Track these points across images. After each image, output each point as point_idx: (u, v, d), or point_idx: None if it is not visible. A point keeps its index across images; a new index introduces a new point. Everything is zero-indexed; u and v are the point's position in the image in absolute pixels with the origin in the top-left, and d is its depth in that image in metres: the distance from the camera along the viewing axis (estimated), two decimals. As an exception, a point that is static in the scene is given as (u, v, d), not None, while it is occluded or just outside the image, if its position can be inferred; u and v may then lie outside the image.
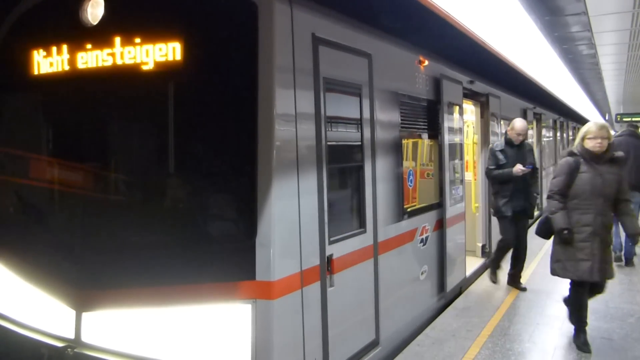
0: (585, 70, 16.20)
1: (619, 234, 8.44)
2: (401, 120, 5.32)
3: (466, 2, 6.41)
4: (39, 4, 4.48)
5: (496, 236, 9.04)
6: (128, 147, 4.20)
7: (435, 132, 6.27)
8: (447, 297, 6.56)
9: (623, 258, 8.60)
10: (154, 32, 3.74)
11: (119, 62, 3.85)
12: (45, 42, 4.21)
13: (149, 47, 3.74)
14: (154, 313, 3.69)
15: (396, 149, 5.21)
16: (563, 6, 9.13)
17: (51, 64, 4.18)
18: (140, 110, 4.06)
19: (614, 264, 7.90)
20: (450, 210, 6.56)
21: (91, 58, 3.97)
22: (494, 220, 8.88)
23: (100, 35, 3.94)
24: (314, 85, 3.89)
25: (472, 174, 8.88)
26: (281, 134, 3.53)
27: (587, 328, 5.64)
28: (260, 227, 3.43)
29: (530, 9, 8.42)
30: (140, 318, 3.74)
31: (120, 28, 3.87)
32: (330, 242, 4.01)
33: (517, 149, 6.84)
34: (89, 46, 3.98)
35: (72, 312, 3.98)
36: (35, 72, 4.27)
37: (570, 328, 5.71)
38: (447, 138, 6.46)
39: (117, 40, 3.85)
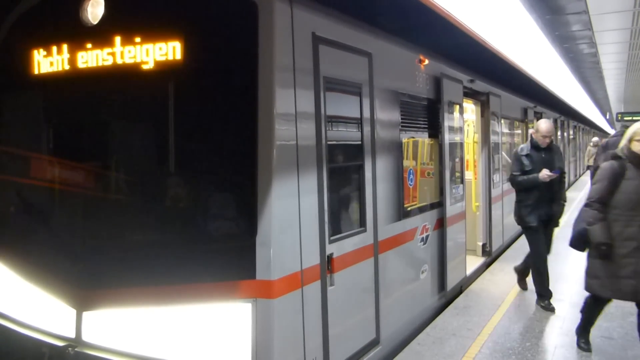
0: (586, 69, 16.21)
1: None
2: (401, 119, 5.32)
3: (467, 1, 6.41)
4: (39, 4, 4.48)
5: (497, 235, 9.09)
6: (128, 146, 4.20)
7: (435, 131, 6.27)
8: (448, 296, 6.56)
9: None
10: (154, 31, 3.74)
11: (119, 61, 3.86)
12: (46, 41, 4.21)
13: (149, 46, 3.74)
14: (154, 312, 3.70)
15: (396, 148, 5.21)
16: (564, 5, 9.14)
17: (51, 64, 4.18)
18: (141, 110, 4.06)
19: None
20: (451, 209, 6.56)
21: (91, 57, 3.98)
22: (494, 218, 8.91)
23: (100, 34, 3.95)
24: (314, 84, 3.89)
25: (473, 173, 8.88)
26: (281, 133, 3.53)
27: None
28: (261, 226, 3.43)
29: (531, 8, 8.43)
30: (140, 317, 3.75)
31: (121, 27, 3.87)
32: (331, 241, 4.01)
33: (544, 152, 6.38)
34: (89, 45, 3.99)
35: (73, 312, 3.98)
36: (36, 72, 4.28)
37: (571, 327, 5.71)
38: (447, 137, 6.46)
39: (118, 39, 3.85)
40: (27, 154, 4.66)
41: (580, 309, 5.22)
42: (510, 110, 10.53)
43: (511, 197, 10.38)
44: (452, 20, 6.13)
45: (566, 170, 21.41)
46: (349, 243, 4.27)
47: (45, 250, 4.31)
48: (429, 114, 6.09)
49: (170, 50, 3.68)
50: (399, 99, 5.29)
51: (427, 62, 5.94)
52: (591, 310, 5.04)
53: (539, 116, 13.68)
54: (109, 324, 3.85)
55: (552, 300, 6.40)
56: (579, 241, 4.85)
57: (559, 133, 17.51)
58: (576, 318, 5.95)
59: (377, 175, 4.72)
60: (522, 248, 9.75)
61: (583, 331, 5.17)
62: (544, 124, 6.40)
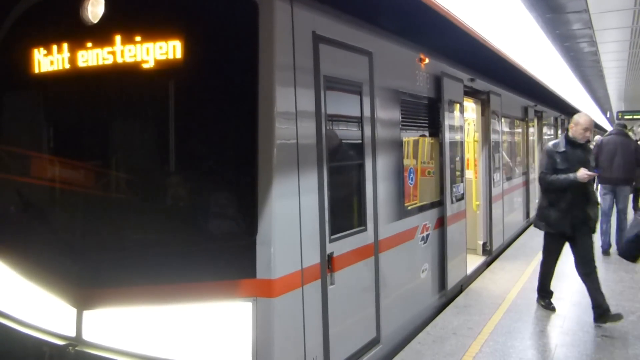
0: (587, 68, 16.18)
1: (609, 232, 9.06)
2: (402, 118, 5.32)
3: (467, 0, 6.40)
4: (39, 3, 4.48)
5: (497, 234, 9.09)
6: (129, 145, 4.20)
7: (436, 130, 6.26)
8: (448, 295, 6.56)
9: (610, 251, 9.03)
10: (154, 30, 3.74)
11: (119, 60, 3.85)
12: (46, 40, 4.21)
13: (149, 45, 3.74)
14: (154, 311, 3.70)
15: (397, 147, 5.21)
16: (564, 4, 9.12)
17: (52, 63, 4.18)
18: (141, 109, 4.06)
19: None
20: (451, 208, 6.55)
21: (92, 56, 3.97)
22: (495, 217, 8.91)
23: (100, 33, 3.94)
24: (314, 83, 3.89)
25: (473, 172, 8.88)
26: (282, 132, 3.53)
27: (589, 327, 5.66)
28: (261, 225, 3.43)
29: (531, 7, 8.41)
30: (141, 316, 3.75)
31: (121, 26, 3.87)
32: (331, 240, 4.01)
33: (580, 149, 5.77)
34: (89, 44, 3.98)
35: (73, 310, 3.98)
36: (36, 71, 4.28)
37: (572, 326, 5.72)
38: (447, 136, 6.45)
39: (118, 38, 3.85)
40: (27, 152, 4.66)
41: None
42: (511, 109, 10.53)
43: (511, 196, 10.48)
44: (453, 19, 6.13)
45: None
46: (349, 242, 4.27)
47: (45, 249, 4.31)
48: (429, 113, 6.09)
49: (170, 49, 3.68)
50: (400, 98, 5.29)
51: (427, 61, 5.94)
52: None
53: (539, 115, 13.68)
54: (110, 322, 3.86)
55: (552, 299, 6.40)
56: (632, 248, 4.57)
57: (559, 132, 17.52)
58: (577, 317, 5.97)
59: (378, 174, 4.72)
60: (522, 247, 9.78)
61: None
62: (584, 116, 5.84)
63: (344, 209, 4.40)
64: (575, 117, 5.95)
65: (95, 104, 4.14)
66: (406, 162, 5.48)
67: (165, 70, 3.71)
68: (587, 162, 5.74)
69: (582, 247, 5.81)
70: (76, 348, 3.89)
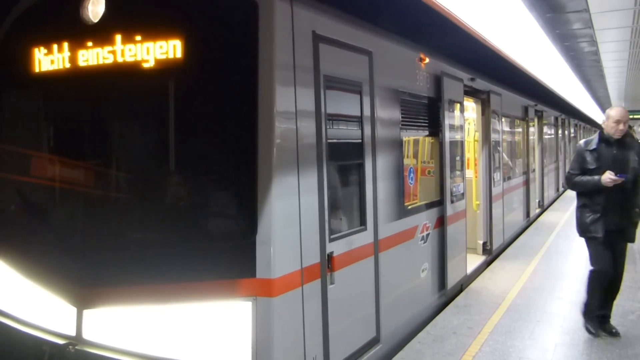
0: (587, 68, 16.19)
1: None
2: (402, 117, 5.32)
3: (467, 0, 6.40)
4: (39, 2, 4.48)
5: (497, 233, 9.09)
6: (129, 144, 4.21)
7: (436, 129, 6.27)
8: (448, 294, 6.56)
9: None
10: (154, 29, 3.74)
11: (119, 59, 3.86)
12: (46, 40, 4.21)
13: (149, 44, 3.74)
14: (154, 310, 3.70)
15: (397, 147, 5.21)
16: (564, 3, 9.13)
17: (52, 62, 4.18)
18: (141, 108, 4.06)
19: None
20: (451, 208, 6.56)
21: (92, 56, 3.98)
22: (495, 217, 8.92)
23: (101, 33, 3.95)
24: (314, 82, 3.89)
25: (473, 172, 8.88)
26: (281, 131, 3.54)
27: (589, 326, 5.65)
28: (261, 225, 3.43)
29: (531, 7, 8.41)
30: (141, 315, 3.75)
31: (121, 26, 3.87)
32: (331, 240, 4.01)
33: (616, 148, 5.19)
34: (89, 44, 3.99)
35: (74, 310, 3.99)
36: (37, 70, 4.28)
37: (572, 325, 5.72)
38: (448, 135, 6.45)
39: (118, 38, 3.85)
40: (28, 152, 4.66)
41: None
42: (511, 108, 10.53)
43: (511, 195, 10.48)
44: (453, 19, 6.13)
45: (567, 168, 21.33)
46: (349, 241, 4.27)
47: (45, 248, 4.31)
48: (429, 113, 6.09)
49: (170, 48, 3.68)
50: (400, 98, 5.29)
51: (427, 60, 5.94)
52: None
53: (539, 114, 13.68)
54: (110, 322, 3.86)
55: (552, 299, 6.36)
56: None
57: (559, 131, 17.51)
58: (577, 316, 5.97)
59: (378, 174, 4.72)
60: (522, 246, 9.78)
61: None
62: (615, 108, 5.37)
63: (344, 209, 4.40)
64: (608, 110, 5.41)
65: (95, 103, 4.14)
66: (406, 161, 5.48)
67: (165, 69, 3.71)
68: (625, 162, 5.12)
69: (616, 253, 5.30)
70: (76, 347, 3.89)
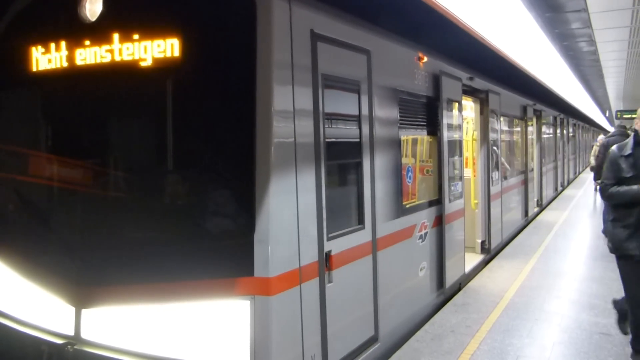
0: (586, 67, 16.21)
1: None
2: (400, 116, 5.33)
3: (466, -1, 6.41)
4: (37, 1, 4.48)
5: (496, 232, 9.11)
6: (126, 143, 4.20)
7: (434, 128, 6.27)
8: (446, 293, 6.57)
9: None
10: (152, 28, 3.74)
11: (117, 58, 3.86)
12: (44, 38, 4.21)
13: (147, 43, 3.74)
14: (153, 309, 3.70)
15: (395, 146, 5.21)
16: (563, 3, 9.14)
17: (49, 61, 4.18)
18: (139, 107, 4.06)
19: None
20: (449, 207, 6.56)
21: (89, 54, 3.98)
22: (493, 216, 8.94)
23: (98, 31, 3.94)
24: (312, 81, 3.89)
25: (472, 171, 8.89)
26: (279, 130, 3.54)
27: (586, 324, 5.67)
28: (259, 224, 3.43)
29: (530, 6, 8.43)
30: (139, 314, 3.75)
31: (119, 24, 3.87)
32: (329, 239, 4.02)
33: None
34: (87, 43, 3.98)
35: (72, 309, 3.99)
36: (34, 69, 4.28)
37: (569, 324, 5.73)
38: (446, 135, 6.46)
39: (116, 36, 3.85)
40: (25, 151, 4.66)
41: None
42: (510, 107, 10.54)
43: (510, 195, 10.50)
44: (451, 18, 6.14)
45: (565, 167, 21.35)
46: (347, 240, 4.28)
47: (43, 247, 4.31)
48: (427, 112, 6.09)
49: (168, 47, 3.68)
50: (398, 97, 5.29)
51: (425, 59, 5.94)
52: None
53: (538, 114, 13.69)
54: (108, 321, 3.86)
55: (551, 297, 6.39)
56: None
57: (558, 131, 17.53)
58: (575, 314, 5.98)
59: (376, 173, 4.72)
60: (520, 245, 9.79)
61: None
62: None
63: (342, 207, 4.40)
64: None
65: (93, 102, 4.14)
66: (404, 160, 5.48)
67: (163, 68, 3.71)
68: None
69: None
70: (75, 347, 3.89)
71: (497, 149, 9.29)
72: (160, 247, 3.77)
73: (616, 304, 5.25)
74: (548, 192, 15.62)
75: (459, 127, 7.15)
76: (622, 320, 5.13)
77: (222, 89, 3.71)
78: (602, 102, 30.36)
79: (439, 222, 6.29)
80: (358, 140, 4.51)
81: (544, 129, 14.65)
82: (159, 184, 3.97)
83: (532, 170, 12.98)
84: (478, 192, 8.72)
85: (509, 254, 9.18)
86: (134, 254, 3.86)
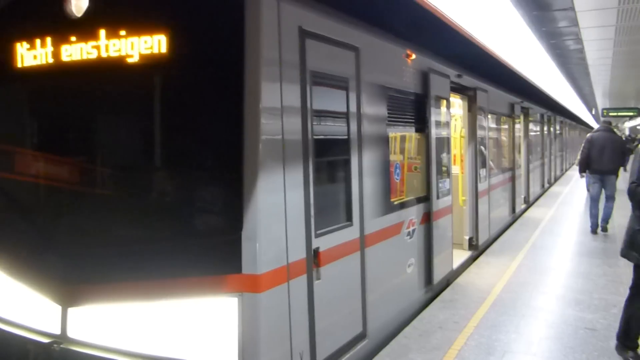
0: (573, 65, 16.33)
1: (597, 215, 10.39)
2: (388, 113, 5.34)
3: (454, -4, 6.43)
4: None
5: (483, 229, 9.17)
6: (113, 140, 4.17)
7: (422, 125, 6.29)
8: (434, 289, 6.60)
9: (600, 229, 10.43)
10: (139, 24, 3.71)
11: (103, 54, 3.82)
12: (29, 34, 4.16)
13: (134, 39, 3.71)
14: (140, 307, 3.69)
15: (383, 143, 5.23)
16: (551, 2, 9.20)
17: (35, 57, 4.13)
18: (126, 104, 4.03)
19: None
20: (437, 204, 6.60)
21: (76, 51, 3.94)
22: (481, 212, 9.00)
23: (84, 27, 3.91)
24: (300, 78, 3.89)
25: (460, 168, 8.94)
26: (267, 127, 3.53)
27: (572, 320, 5.73)
28: (247, 221, 3.43)
29: (518, 4, 8.46)
30: (126, 312, 3.73)
31: (105, 20, 3.84)
32: (317, 235, 4.02)
33: None
34: (73, 39, 3.94)
35: (58, 308, 3.96)
36: (19, 65, 4.22)
37: (555, 319, 5.79)
38: (434, 132, 6.49)
39: (102, 32, 3.81)
40: (10, 148, 4.60)
41: None
42: (498, 105, 10.61)
43: (497, 192, 10.57)
44: (440, 16, 6.16)
45: (552, 164, 21.53)
46: (335, 237, 4.28)
47: (29, 246, 4.27)
48: (416, 109, 6.11)
49: (155, 43, 3.66)
50: (386, 94, 5.30)
51: (414, 56, 5.95)
52: None
53: (525, 111, 13.80)
54: (95, 319, 3.83)
55: (537, 294, 6.44)
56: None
57: (545, 128, 17.67)
58: (560, 310, 6.04)
59: (364, 170, 4.73)
60: (508, 242, 9.87)
61: None
62: None
63: (330, 204, 4.41)
64: None
65: (79, 99, 4.10)
66: (393, 157, 5.50)
67: (150, 64, 3.68)
68: None
69: None
70: (61, 346, 3.86)
71: (485, 146, 9.35)
72: (147, 245, 3.75)
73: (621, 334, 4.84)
74: (535, 189, 15.75)
75: (447, 124, 7.18)
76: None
77: (209, 85, 3.68)
78: (588, 100, 30.63)
79: (427, 218, 6.32)
80: (346, 137, 4.52)
81: (531, 126, 14.76)
82: (147, 181, 3.95)
83: (520, 167, 13.08)
84: (466, 189, 8.77)
85: (496, 250, 9.26)
86: (121, 251, 3.83)
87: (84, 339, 3.85)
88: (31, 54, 4.15)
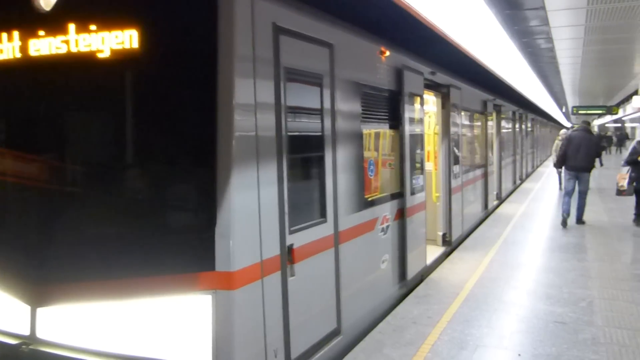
0: (544, 64, 16.65)
1: (569, 209, 10.73)
2: (362, 110, 5.36)
3: (427, -6, 6.48)
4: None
5: (456, 225, 9.29)
6: (84, 137, 4.09)
7: (396, 122, 6.34)
8: (409, 285, 6.67)
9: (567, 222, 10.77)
10: (110, 19, 3.65)
11: (73, 49, 3.74)
12: None
13: (104, 34, 3.64)
14: (112, 306, 3.63)
15: (357, 139, 5.25)
16: (522, 1, 9.36)
17: (1, 51, 4.02)
18: (97, 100, 3.95)
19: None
20: (411, 200, 6.66)
21: (44, 45, 3.85)
22: (454, 209, 9.11)
23: (53, 21, 3.82)
24: (274, 75, 3.88)
25: (433, 164, 9.03)
26: (241, 124, 3.51)
27: (543, 314, 5.86)
28: (220, 218, 3.41)
29: (491, 3, 8.59)
30: (98, 312, 3.67)
31: (75, 14, 3.76)
32: (291, 232, 4.02)
33: None
34: (41, 33, 3.85)
35: (27, 308, 3.87)
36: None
37: (526, 314, 5.91)
38: (408, 128, 6.54)
39: (72, 27, 3.73)
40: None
41: None
42: (471, 102, 10.75)
43: (470, 188, 10.72)
44: (413, 13, 6.20)
45: (524, 161, 21.94)
46: (309, 234, 4.29)
47: (-3, 244, 4.17)
48: (390, 105, 6.15)
49: (126, 38, 3.60)
50: (360, 90, 5.32)
51: (388, 53, 5.99)
52: None
53: (498, 109, 14.01)
54: (65, 319, 3.76)
55: (509, 288, 6.56)
56: None
57: (517, 125, 17.97)
58: (531, 305, 6.16)
59: (338, 166, 4.75)
60: (480, 237, 10.02)
61: None
62: None
63: (304, 201, 4.41)
64: None
65: (48, 95, 4.01)
66: (366, 154, 5.52)
67: (121, 60, 3.62)
68: None
69: None
70: (30, 347, 3.79)
71: (458, 142, 9.46)
72: (119, 243, 3.70)
73: None
74: (507, 185, 16.03)
75: (421, 121, 7.25)
76: None
77: (182, 81, 3.64)
78: (559, 98, 31.28)
79: (401, 215, 6.37)
80: (320, 134, 4.52)
81: (503, 123, 14.99)
82: (118, 178, 3.89)
83: (492, 163, 13.29)
84: (439, 185, 8.87)
85: (469, 246, 9.39)
86: (92, 250, 3.77)
87: (54, 340, 3.78)
88: (-3, 48, 4.04)
